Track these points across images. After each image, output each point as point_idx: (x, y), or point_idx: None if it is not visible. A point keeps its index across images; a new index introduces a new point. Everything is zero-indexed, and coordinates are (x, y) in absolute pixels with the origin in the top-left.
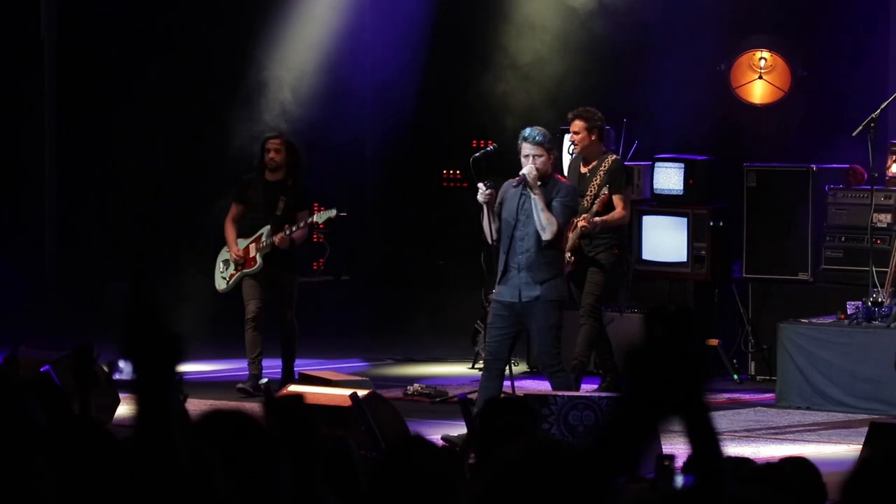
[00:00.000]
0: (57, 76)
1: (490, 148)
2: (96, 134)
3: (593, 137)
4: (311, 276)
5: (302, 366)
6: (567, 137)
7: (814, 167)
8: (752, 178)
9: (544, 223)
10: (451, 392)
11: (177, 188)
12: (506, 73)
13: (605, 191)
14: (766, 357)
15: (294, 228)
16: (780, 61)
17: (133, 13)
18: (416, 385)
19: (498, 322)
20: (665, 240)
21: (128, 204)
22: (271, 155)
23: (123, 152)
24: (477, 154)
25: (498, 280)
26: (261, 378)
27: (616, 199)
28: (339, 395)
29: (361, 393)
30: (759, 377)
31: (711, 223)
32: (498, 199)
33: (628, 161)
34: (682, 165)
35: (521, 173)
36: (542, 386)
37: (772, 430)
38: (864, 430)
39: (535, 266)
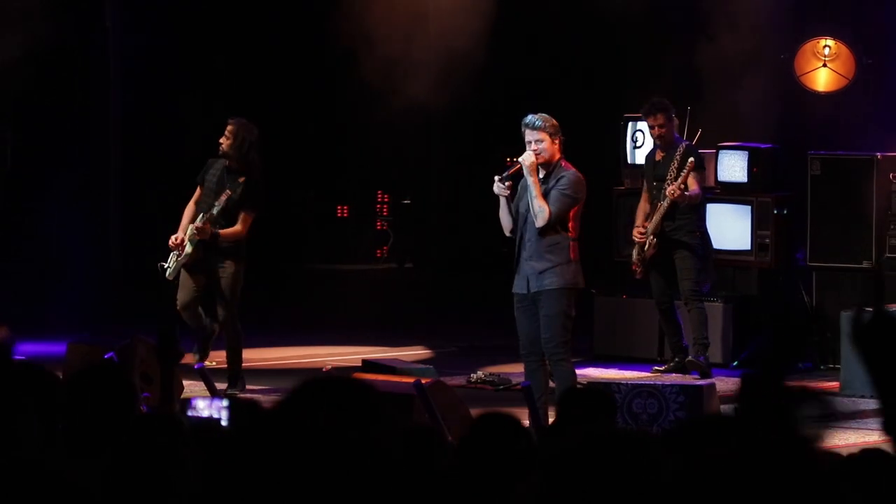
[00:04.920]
0: (122, 61)
1: None
2: (161, 119)
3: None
4: (375, 264)
5: (366, 353)
6: (630, 125)
7: (878, 155)
8: (816, 166)
9: (536, 210)
10: (515, 380)
11: None
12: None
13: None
14: (830, 345)
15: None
16: (844, 49)
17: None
18: (479, 373)
19: (521, 316)
20: (729, 227)
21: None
22: (221, 139)
23: (187, 136)
24: None
25: (514, 272)
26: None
27: (691, 178)
28: (403, 382)
29: (425, 380)
30: (822, 366)
31: (775, 211)
32: (518, 193)
33: None
34: (747, 153)
35: (517, 160)
36: (607, 373)
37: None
38: None
39: (538, 255)
